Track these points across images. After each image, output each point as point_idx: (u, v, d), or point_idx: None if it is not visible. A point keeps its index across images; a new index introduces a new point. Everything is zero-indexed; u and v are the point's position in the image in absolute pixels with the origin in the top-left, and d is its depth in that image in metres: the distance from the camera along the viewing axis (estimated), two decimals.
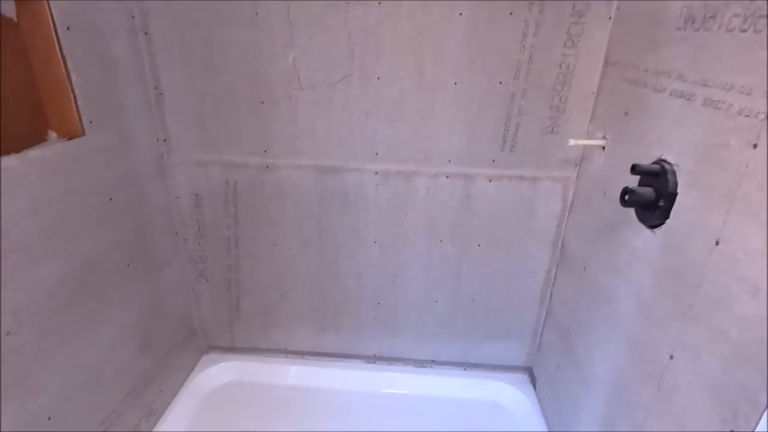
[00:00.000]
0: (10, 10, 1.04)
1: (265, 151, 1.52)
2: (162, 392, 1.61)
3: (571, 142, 1.28)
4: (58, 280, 1.11)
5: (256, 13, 1.34)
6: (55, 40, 1.08)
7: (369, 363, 1.88)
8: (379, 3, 1.30)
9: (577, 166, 1.46)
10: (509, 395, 1.80)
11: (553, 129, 1.42)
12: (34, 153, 1.03)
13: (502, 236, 1.60)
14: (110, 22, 1.26)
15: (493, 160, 1.48)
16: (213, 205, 1.62)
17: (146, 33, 1.38)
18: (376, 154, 1.50)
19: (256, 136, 1.50)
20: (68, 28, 1.11)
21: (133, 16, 1.35)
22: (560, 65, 1.33)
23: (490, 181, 1.51)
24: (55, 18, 1.07)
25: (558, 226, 1.56)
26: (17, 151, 1.02)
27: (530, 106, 1.39)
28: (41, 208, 1.05)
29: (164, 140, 1.52)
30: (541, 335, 1.75)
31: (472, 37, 1.32)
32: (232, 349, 1.91)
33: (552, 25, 1.29)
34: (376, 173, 1.53)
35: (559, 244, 1.59)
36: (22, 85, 1.09)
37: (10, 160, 0.97)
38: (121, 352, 1.38)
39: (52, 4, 1.06)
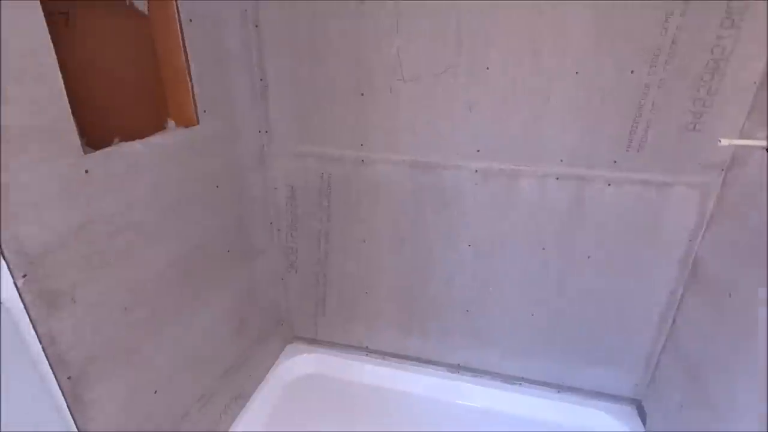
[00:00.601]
0: (142, 6, 1.10)
1: (362, 144, 1.49)
2: (250, 377, 1.66)
3: (724, 141, 1.06)
4: (169, 262, 1.16)
5: (362, 0, 1.30)
6: (179, 32, 1.13)
7: (452, 372, 1.78)
8: None
9: (724, 171, 1.23)
10: (610, 427, 1.59)
11: (695, 126, 1.20)
12: (156, 139, 1.09)
13: (618, 248, 1.40)
14: (226, 15, 1.30)
15: (615, 162, 1.30)
16: (307, 197, 1.63)
17: (256, 25, 1.41)
18: (478, 150, 1.39)
19: (353, 129, 1.47)
20: (190, 20, 1.15)
21: (245, 9, 1.39)
22: (712, 50, 1.12)
23: (609, 184, 1.33)
24: (180, 11, 1.12)
25: (690, 241, 1.33)
26: (141, 137, 1.09)
27: (667, 99, 1.19)
28: (159, 192, 1.10)
29: (266, 131, 1.56)
30: (657, 365, 1.52)
31: (601, 18, 1.16)
32: (315, 341, 1.92)
33: (705, 2, 1.08)
34: (476, 171, 1.42)
35: (690, 262, 1.35)
36: (148, 75, 1.16)
37: (136, 146, 1.02)
38: (218, 333, 1.43)
39: None
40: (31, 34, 0.77)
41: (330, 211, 1.63)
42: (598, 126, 1.27)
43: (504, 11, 1.21)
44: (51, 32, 0.80)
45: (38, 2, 0.78)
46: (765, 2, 1.05)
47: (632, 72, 1.19)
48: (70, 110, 0.84)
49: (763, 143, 1.05)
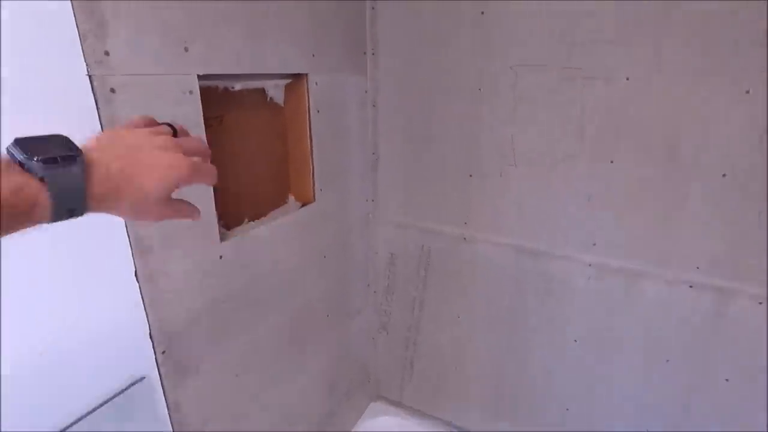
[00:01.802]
0: (279, 98, 1.24)
1: (465, 222, 1.47)
2: None
3: None
4: (277, 329, 1.25)
5: (480, 89, 1.31)
6: (308, 121, 1.25)
7: None
8: (627, 79, 1.11)
9: None
10: None
11: None
12: (278, 221, 1.19)
13: None
14: (349, 99, 1.40)
15: None
16: (405, 265, 1.65)
17: (374, 105, 1.50)
18: (594, 244, 1.28)
19: (457, 207, 1.46)
20: (318, 111, 1.26)
21: (366, 91, 1.48)
22: None
23: (761, 303, 1.12)
24: (311, 103, 1.23)
25: None
26: (266, 213, 1.21)
27: None
28: (277, 267, 1.20)
29: (372, 200, 1.62)
30: None
31: (764, 119, 1.00)
32: (399, 404, 1.91)
33: None
34: (589, 265, 1.31)
35: None
36: (279, 158, 1.29)
37: (260, 230, 1.13)
38: (313, 393, 1.50)
39: (310, 91, 1.22)
40: None
41: (427, 281, 1.63)
42: (750, 235, 1.09)
43: (636, 106, 1.12)
44: (207, 135, 0.94)
45: (201, 117, 0.91)
46: None
47: None
48: (214, 207, 0.96)
49: None
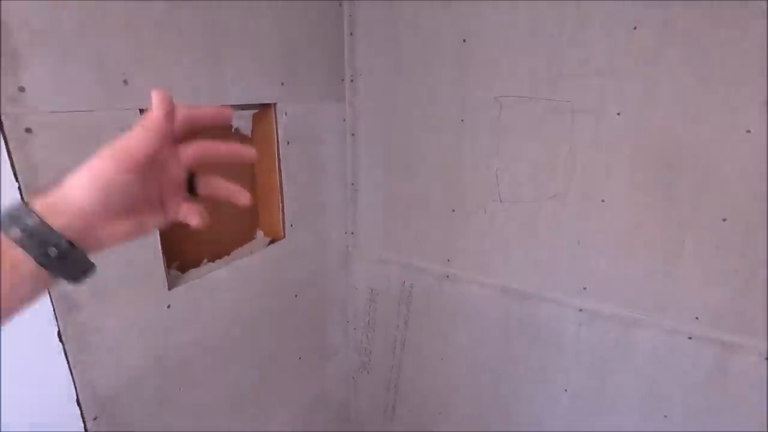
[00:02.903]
0: (246, 129, 1.15)
1: (448, 260, 1.37)
2: None
3: None
4: (237, 382, 1.14)
5: (462, 120, 1.23)
6: (276, 154, 1.16)
7: None
8: (618, 114, 1.03)
9: None
10: None
11: None
12: (242, 261, 1.10)
13: None
14: (325, 128, 1.31)
15: None
16: (386, 302, 1.55)
17: (353, 134, 1.41)
18: (585, 288, 1.19)
19: (440, 244, 1.37)
20: (288, 142, 1.17)
21: (344, 120, 1.40)
22: None
23: (767, 359, 1.02)
24: (279, 134, 1.15)
25: None
26: (229, 251, 1.11)
27: None
28: (237, 312, 1.10)
29: (352, 233, 1.53)
30: None
31: (766, 161, 0.92)
32: None
33: None
34: (580, 311, 1.21)
35: None
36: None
37: (220, 272, 1.03)
38: None
39: (279, 121, 1.14)
40: None
41: (408, 319, 1.52)
42: (754, 285, 0.99)
43: (629, 143, 1.04)
44: None
45: None
46: None
47: None
48: (161, 254, 0.87)
49: None
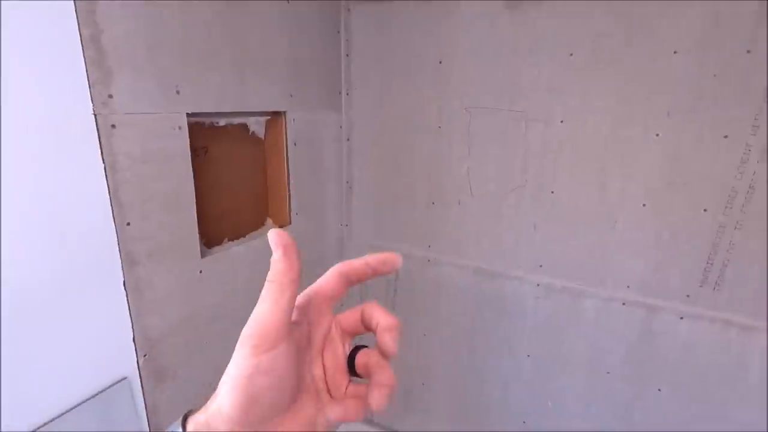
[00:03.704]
0: (260, 132, 1.39)
1: (429, 246, 1.61)
2: None
3: None
4: None
5: (440, 127, 1.48)
6: (285, 153, 1.39)
7: None
8: (561, 122, 1.29)
9: None
10: None
11: None
12: (255, 242, 1.32)
13: (696, 387, 1.30)
14: (324, 134, 1.56)
15: (688, 296, 1.25)
16: (376, 287, 1.77)
17: (348, 139, 1.66)
18: (540, 266, 1.43)
19: (422, 232, 1.61)
20: (294, 144, 1.41)
21: (341, 127, 1.64)
22: None
23: (682, 318, 1.27)
24: (288, 137, 1.39)
25: None
26: (244, 234, 1.33)
27: (747, 240, 1.15)
28: (252, 285, 1.32)
29: (346, 225, 1.76)
30: None
31: (671, 158, 1.18)
32: (370, 422, 1.98)
33: None
34: (537, 285, 1.45)
35: None
36: (257, 185, 1.43)
37: (240, 248, 1.26)
38: None
39: (288, 126, 1.38)
40: (180, 175, 1.04)
41: (395, 301, 1.75)
42: (669, 258, 1.25)
43: (570, 145, 1.29)
44: (193, 164, 1.08)
45: (189, 149, 1.05)
46: None
47: (705, 210, 1.17)
48: (197, 229, 1.09)
49: None
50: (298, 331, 0.31)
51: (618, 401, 1.42)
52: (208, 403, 0.29)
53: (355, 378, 0.32)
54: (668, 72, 1.14)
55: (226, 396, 0.28)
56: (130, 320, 0.97)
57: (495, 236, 1.48)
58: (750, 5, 1.03)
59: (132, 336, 0.98)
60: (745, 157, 1.10)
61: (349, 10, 1.52)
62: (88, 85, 0.82)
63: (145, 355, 1.01)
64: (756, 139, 1.09)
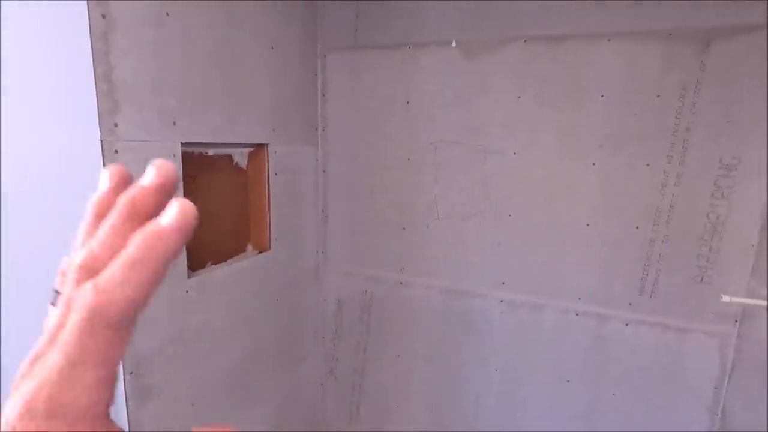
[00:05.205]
0: (243, 163, 1.49)
1: (401, 269, 1.72)
2: None
3: (725, 298, 1.17)
4: (231, 365, 1.38)
5: (409, 159, 1.64)
6: (266, 182, 1.50)
7: None
8: (514, 154, 1.48)
9: (738, 323, 1.30)
10: None
11: (702, 279, 1.32)
12: (237, 264, 1.39)
13: (643, 390, 1.44)
14: (302, 165, 1.68)
15: (630, 304, 1.41)
16: (351, 311, 1.85)
17: (324, 171, 1.79)
18: (503, 282, 1.57)
19: (394, 256, 1.72)
20: (275, 174, 1.52)
21: (317, 159, 1.77)
22: (708, 215, 1.28)
23: (627, 324, 1.43)
24: (270, 167, 1.50)
25: (716, 389, 1.35)
26: (226, 259, 1.40)
27: (673, 252, 1.34)
28: (234, 306, 1.37)
29: (322, 252, 1.85)
30: None
31: (606, 184, 1.38)
32: None
33: (695, 176, 1.28)
34: (501, 301, 1.58)
35: (719, 411, 1.36)
36: (240, 212, 1.51)
37: (224, 270, 1.32)
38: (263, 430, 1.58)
39: (270, 158, 1.49)
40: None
41: (369, 325, 1.82)
42: (611, 270, 1.42)
43: (522, 173, 1.48)
44: (183, 190, 1.16)
45: (181, 176, 1.14)
46: (752, 180, 1.23)
47: (637, 227, 1.37)
48: (185, 251, 1.16)
49: (763, 303, 1.15)
50: None
51: (578, 406, 1.53)
52: None
53: None
54: (598, 112, 1.36)
55: None
56: None
57: (461, 257, 1.62)
58: (655, 59, 1.28)
59: None
60: (664, 181, 1.32)
61: (325, 56, 1.69)
62: (97, 115, 0.91)
63: (131, 373, 1.04)
64: (671, 166, 1.30)
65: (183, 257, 1.15)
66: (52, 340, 0.19)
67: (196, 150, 1.26)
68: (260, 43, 1.38)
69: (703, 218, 1.29)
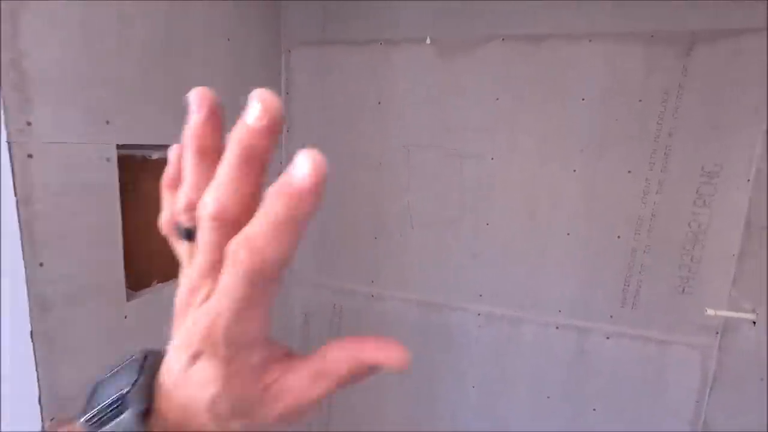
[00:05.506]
0: None
1: (372, 281, 1.61)
2: None
3: (709, 311, 1.13)
4: None
5: (380, 163, 1.53)
6: None
7: None
8: (492, 159, 1.40)
9: (719, 335, 1.26)
10: None
11: (684, 289, 1.28)
12: None
13: (624, 403, 1.38)
14: None
15: (611, 316, 1.36)
16: (319, 325, 1.72)
17: None
18: (480, 295, 1.48)
19: (366, 267, 1.61)
20: None
21: (281, 162, 1.63)
22: (689, 224, 1.24)
23: (608, 338, 1.37)
24: None
25: (698, 401, 1.32)
26: (176, 274, 1.24)
27: (655, 262, 1.29)
28: None
29: None
30: None
31: (587, 191, 1.32)
32: None
33: (677, 184, 1.24)
34: (479, 315, 1.50)
35: (700, 424, 1.32)
36: None
37: (168, 290, 1.16)
38: None
39: None
40: (107, 210, 0.96)
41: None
42: (593, 282, 1.36)
43: (501, 179, 1.40)
44: (122, 199, 1.00)
45: (117, 182, 0.98)
46: (734, 188, 1.19)
47: (619, 237, 1.31)
48: (123, 269, 1.00)
49: (751, 316, 1.11)
50: None
51: (560, 423, 1.46)
52: None
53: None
54: (579, 115, 1.30)
55: None
56: (36, 376, 0.84)
57: (436, 268, 1.52)
58: (638, 62, 1.22)
59: (38, 395, 0.84)
60: (646, 188, 1.27)
61: (289, 51, 1.56)
62: (2, 111, 0.74)
63: (52, 419, 0.87)
64: (653, 173, 1.25)
65: (120, 277, 0.99)
66: (205, 276, 0.21)
67: (137, 153, 1.09)
68: (213, 33, 1.23)
69: (684, 227, 1.24)
